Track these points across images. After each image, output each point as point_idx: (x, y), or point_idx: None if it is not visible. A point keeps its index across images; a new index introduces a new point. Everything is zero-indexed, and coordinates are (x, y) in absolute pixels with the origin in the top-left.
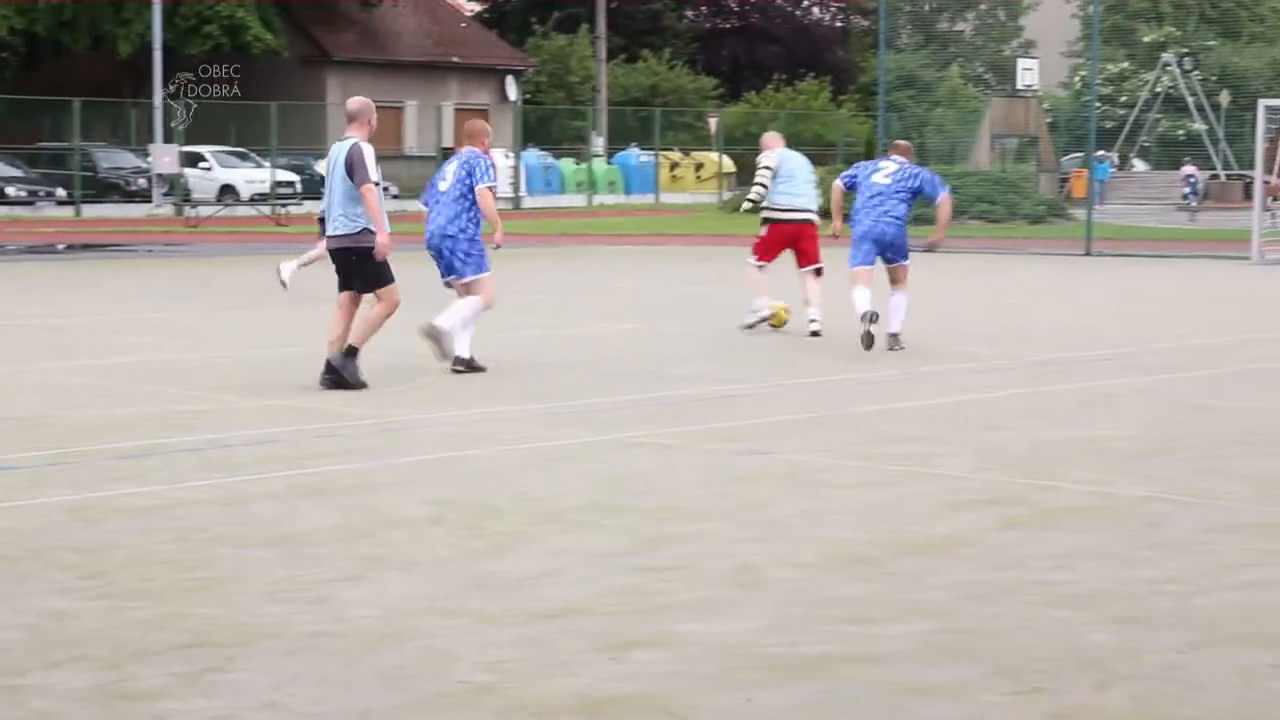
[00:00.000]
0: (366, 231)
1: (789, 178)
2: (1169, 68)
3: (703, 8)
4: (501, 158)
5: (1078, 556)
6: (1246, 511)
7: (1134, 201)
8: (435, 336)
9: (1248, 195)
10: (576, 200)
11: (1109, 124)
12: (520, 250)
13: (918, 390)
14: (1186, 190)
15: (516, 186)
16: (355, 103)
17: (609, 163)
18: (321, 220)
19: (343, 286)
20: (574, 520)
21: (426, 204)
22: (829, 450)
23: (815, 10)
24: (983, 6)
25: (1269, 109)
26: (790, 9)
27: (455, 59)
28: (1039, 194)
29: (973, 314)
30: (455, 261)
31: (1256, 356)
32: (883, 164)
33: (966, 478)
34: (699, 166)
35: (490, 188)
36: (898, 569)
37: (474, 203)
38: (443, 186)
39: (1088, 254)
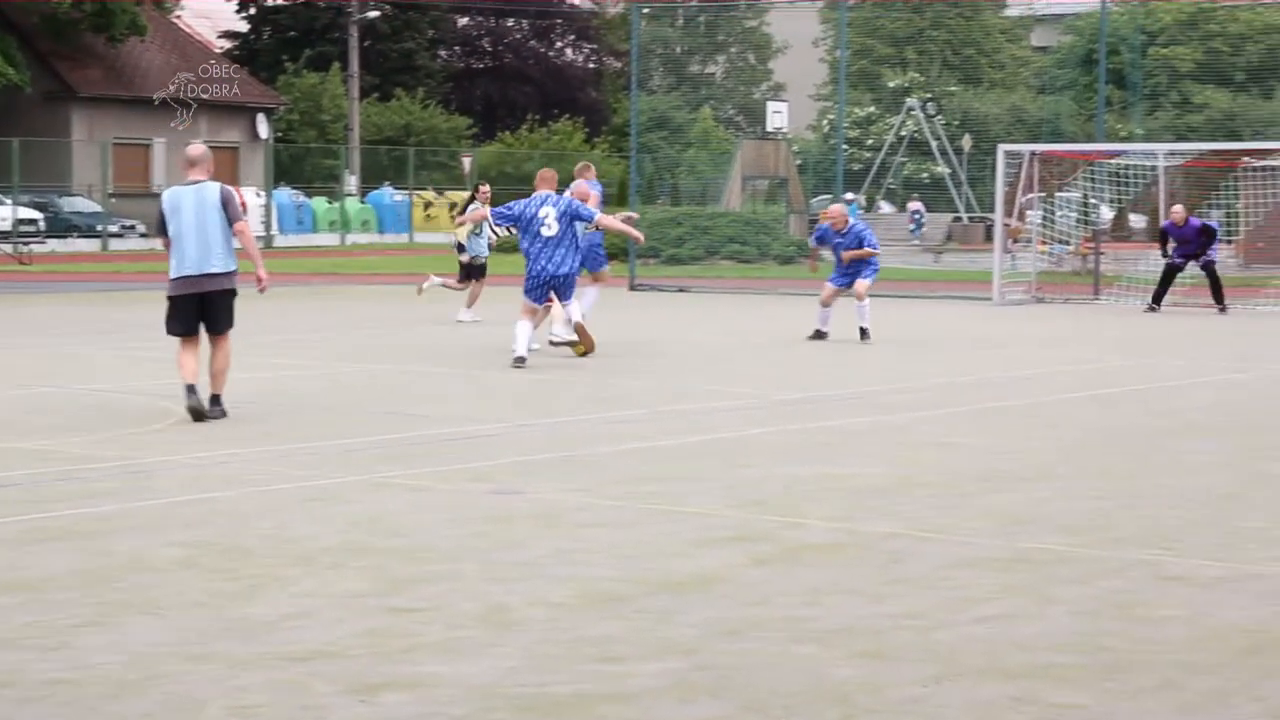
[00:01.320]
0: (235, 272)
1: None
2: (913, 112)
3: (456, 47)
4: (253, 196)
5: (824, 592)
6: (986, 546)
7: (880, 243)
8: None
9: (989, 237)
10: (329, 239)
11: (856, 166)
12: (271, 290)
13: (669, 429)
14: (912, 226)
15: (268, 225)
16: (197, 149)
17: (362, 202)
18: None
19: (194, 326)
20: (325, 562)
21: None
22: (581, 489)
23: (568, 51)
24: (733, 50)
25: (1008, 154)
26: (543, 50)
27: (204, 96)
28: (789, 235)
29: (723, 353)
30: (568, 290)
31: (993, 395)
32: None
33: (716, 515)
34: (453, 206)
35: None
36: (650, 607)
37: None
38: (546, 232)
39: None
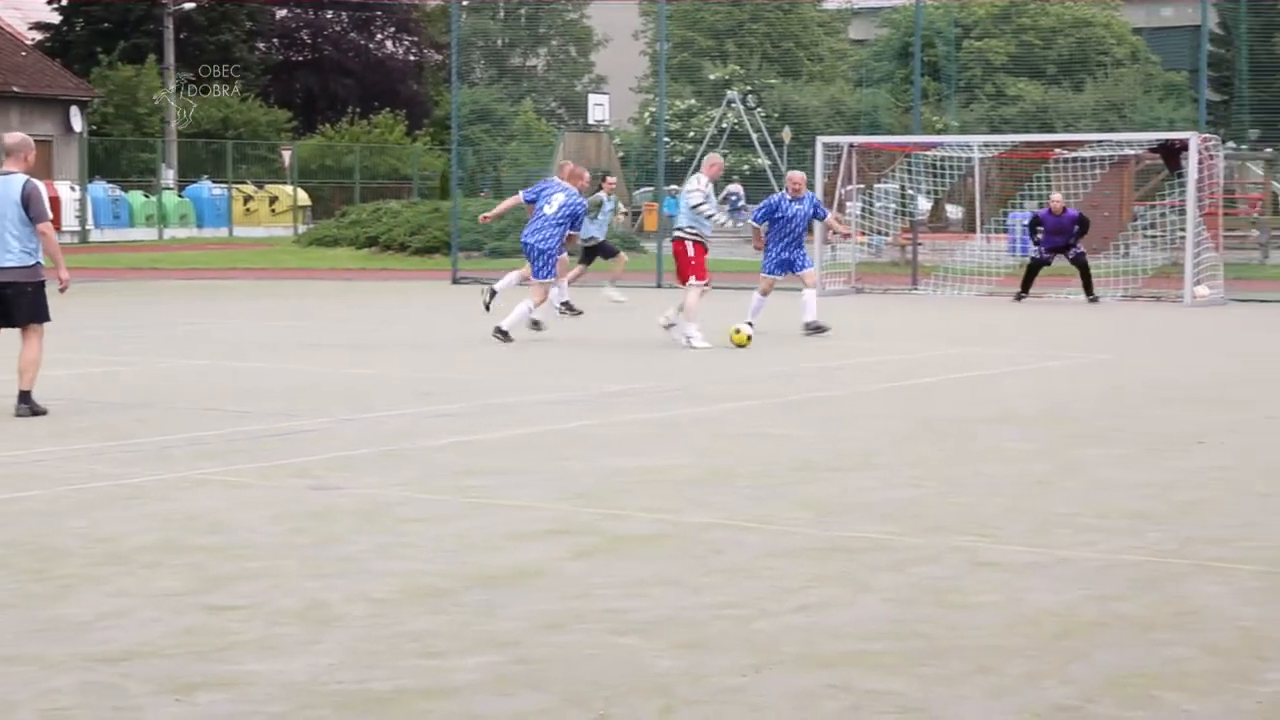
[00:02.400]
0: (40, 265)
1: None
2: (733, 104)
3: (274, 40)
4: (67, 190)
5: (645, 584)
6: (804, 536)
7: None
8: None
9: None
10: (147, 234)
11: (678, 159)
12: (88, 285)
13: (491, 423)
14: (726, 208)
15: (83, 220)
16: (14, 137)
17: (180, 195)
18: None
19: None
20: (141, 561)
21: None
22: (402, 484)
23: (388, 44)
24: (555, 43)
25: (827, 146)
26: (363, 42)
27: (15, 89)
28: (611, 227)
29: (545, 346)
30: (538, 266)
31: (813, 386)
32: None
33: (538, 508)
34: (273, 200)
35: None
36: (470, 601)
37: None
38: (548, 210)
39: (659, 286)
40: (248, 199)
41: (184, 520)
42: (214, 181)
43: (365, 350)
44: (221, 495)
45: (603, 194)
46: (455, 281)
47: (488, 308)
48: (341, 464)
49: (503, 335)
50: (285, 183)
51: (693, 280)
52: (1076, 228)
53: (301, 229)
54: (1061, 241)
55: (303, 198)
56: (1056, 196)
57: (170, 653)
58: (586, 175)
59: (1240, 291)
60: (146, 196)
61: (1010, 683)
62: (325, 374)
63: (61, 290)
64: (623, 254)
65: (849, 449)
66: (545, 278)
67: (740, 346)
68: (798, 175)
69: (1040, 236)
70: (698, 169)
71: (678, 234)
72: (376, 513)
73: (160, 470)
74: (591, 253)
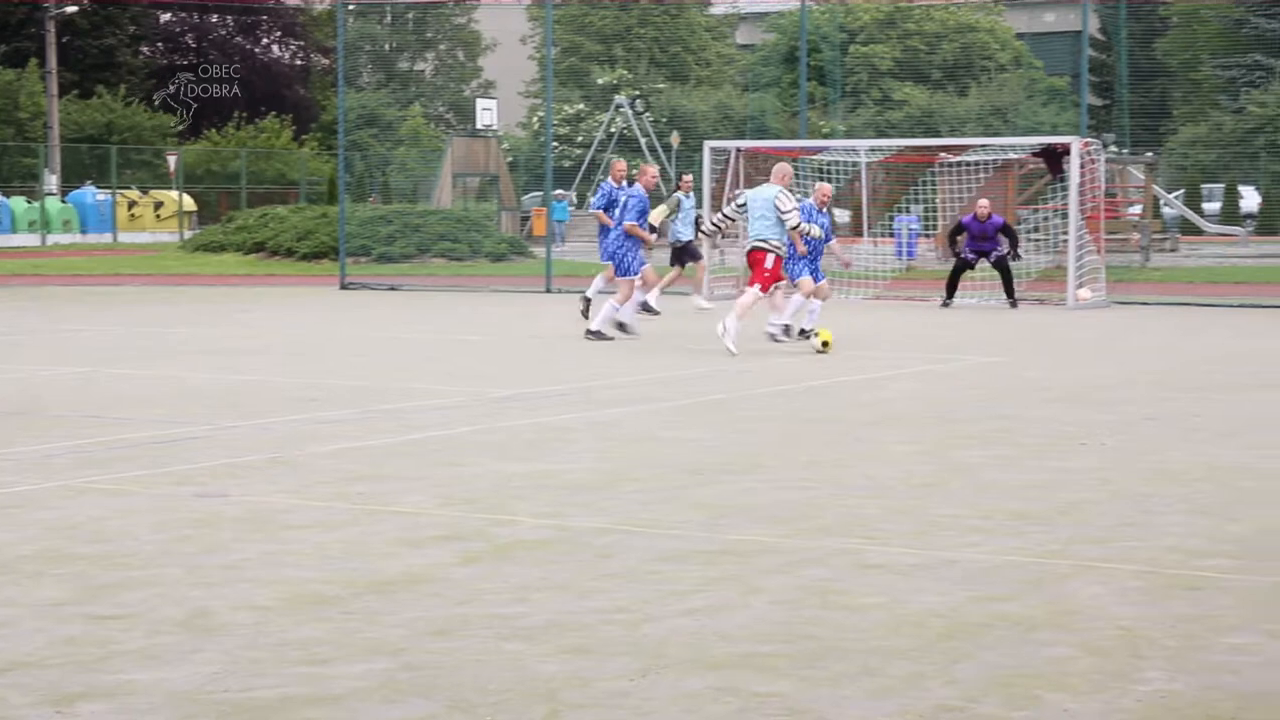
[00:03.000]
0: None
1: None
2: (622, 109)
3: (159, 44)
4: None
5: (533, 589)
6: (694, 539)
7: (592, 239)
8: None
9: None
10: (29, 240)
11: (566, 163)
12: None
13: (378, 429)
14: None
15: None
16: None
17: (63, 201)
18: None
19: None
20: (23, 570)
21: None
22: (288, 491)
23: (274, 48)
24: (442, 47)
25: (715, 150)
26: (249, 46)
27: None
28: (500, 233)
29: (434, 351)
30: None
31: (701, 390)
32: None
33: (427, 514)
34: (159, 205)
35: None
36: (357, 608)
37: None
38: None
39: (548, 291)
40: (132, 204)
41: (66, 529)
42: (98, 187)
43: (251, 356)
44: (104, 503)
45: (680, 194)
46: (343, 287)
47: (585, 315)
48: (226, 471)
49: (596, 335)
50: (171, 188)
51: (756, 287)
52: (1003, 236)
53: (187, 235)
54: (987, 247)
55: (188, 203)
56: (984, 202)
57: (52, 663)
58: (650, 170)
59: (1122, 294)
60: (29, 202)
61: (895, 684)
62: (210, 380)
63: None
64: (703, 259)
65: (739, 452)
66: (628, 275)
67: (827, 346)
68: (826, 188)
69: (963, 241)
70: (736, 183)
71: (760, 245)
72: (262, 520)
73: (42, 479)
74: (680, 254)
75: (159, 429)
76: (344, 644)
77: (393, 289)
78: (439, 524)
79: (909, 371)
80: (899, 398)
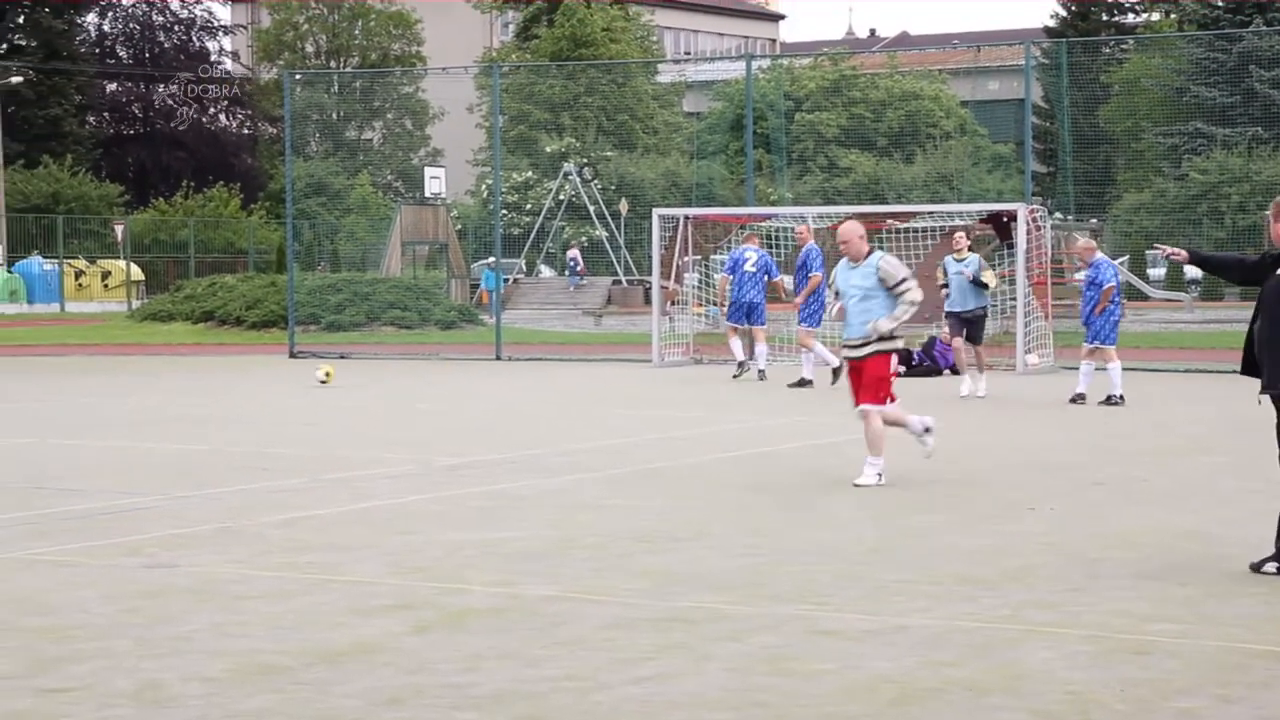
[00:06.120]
0: None
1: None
2: (570, 177)
3: (105, 113)
4: None
5: (485, 657)
6: (644, 607)
7: (542, 306)
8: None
9: (648, 300)
10: None
11: (516, 231)
12: None
13: (327, 498)
14: (568, 271)
15: None
16: None
17: (10, 271)
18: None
19: None
20: None
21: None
22: (238, 561)
23: (222, 117)
24: (390, 115)
25: (663, 218)
26: (196, 116)
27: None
28: (450, 300)
29: (384, 419)
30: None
31: (651, 456)
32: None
33: (377, 583)
34: (106, 274)
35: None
36: (309, 678)
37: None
38: (748, 268)
39: (498, 358)
40: (79, 274)
41: (13, 602)
42: (45, 257)
43: (201, 425)
44: (51, 575)
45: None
46: (293, 355)
47: (762, 375)
48: (176, 541)
49: (802, 383)
50: (118, 257)
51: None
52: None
53: (135, 304)
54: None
55: (136, 272)
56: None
57: None
58: (801, 228)
59: (1070, 359)
60: None
61: None
62: (159, 450)
63: None
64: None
65: (686, 519)
66: (762, 324)
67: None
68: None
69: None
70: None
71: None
72: (212, 590)
73: None
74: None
75: (108, 499)
76: (296, 715)
77: (342, 357)
78: (389, 593)
79: (857, 437)
80: (845, 463)
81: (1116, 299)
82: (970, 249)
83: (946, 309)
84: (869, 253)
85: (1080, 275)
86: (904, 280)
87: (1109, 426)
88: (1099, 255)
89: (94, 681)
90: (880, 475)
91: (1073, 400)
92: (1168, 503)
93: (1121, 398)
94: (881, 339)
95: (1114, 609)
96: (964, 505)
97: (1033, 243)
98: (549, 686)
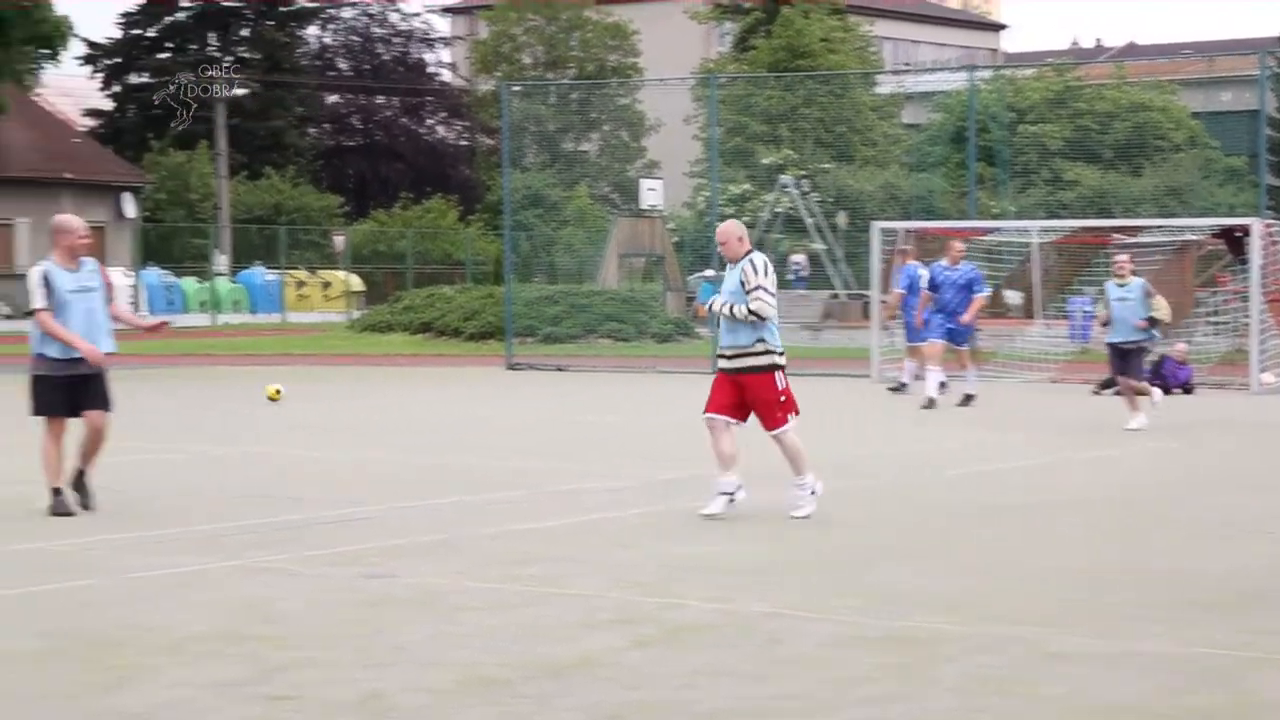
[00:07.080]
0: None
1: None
2: (788, 189)
3: (325, 125)
4: (120, 276)
5: (704, 674)
6: (865, 625)
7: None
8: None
9: (866, 314)
10: (200, 319)
11: None
12: (140, 370)
13: (547, 510)
14: (791, 276)
15: (137, 305)
16: (54, 220)
17: (233, 281)
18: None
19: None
20: (195, 651)
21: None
22: (458, 572)
23: (439, 129)
24: (606, 127)
25: (883, 230)
26: (414, 127)
27: (67, 175)
28: (666, 313)
29: (603, 433)
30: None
31: (867, 471)
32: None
33: (597, 597)
34: (326, 285)
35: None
36: (530, 691)
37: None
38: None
39: (713, 373)
40: (300, 284)
41: (236, 609)
42: (267, 267)
43: (420, 436)
44: (274, 584)
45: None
46: (510, 367)
47: (903, 388)
48: (396, 552)
49: (968, 399)
50: (338, 268)
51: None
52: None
53: (355, 314)
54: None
55: (355, 283)
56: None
57: None
58: (955, 245)
59: None
60: (200, 282)
61: None
62: (379, 460)
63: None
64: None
65: (906, 537)
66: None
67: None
68: (958, 245)
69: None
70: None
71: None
72: (431, 601)
73: (212, 559)
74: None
75: (328, 509)
76: None
77: (559, 369)
78: (609, 607)
79: (1082, 456)
80: (1069, 484)
81: None
82: (1134, 273)
83: (1107, 340)
84: (746, 253)
85: None
86: (759, 288)
87: None
88: None
89: (317, 690)
90: (814, 492)
91: None
92: None
93: None
94: (756, 354)
95: None
96: (1199, 525)
97: (1268, 258)
98: (771, 704)
